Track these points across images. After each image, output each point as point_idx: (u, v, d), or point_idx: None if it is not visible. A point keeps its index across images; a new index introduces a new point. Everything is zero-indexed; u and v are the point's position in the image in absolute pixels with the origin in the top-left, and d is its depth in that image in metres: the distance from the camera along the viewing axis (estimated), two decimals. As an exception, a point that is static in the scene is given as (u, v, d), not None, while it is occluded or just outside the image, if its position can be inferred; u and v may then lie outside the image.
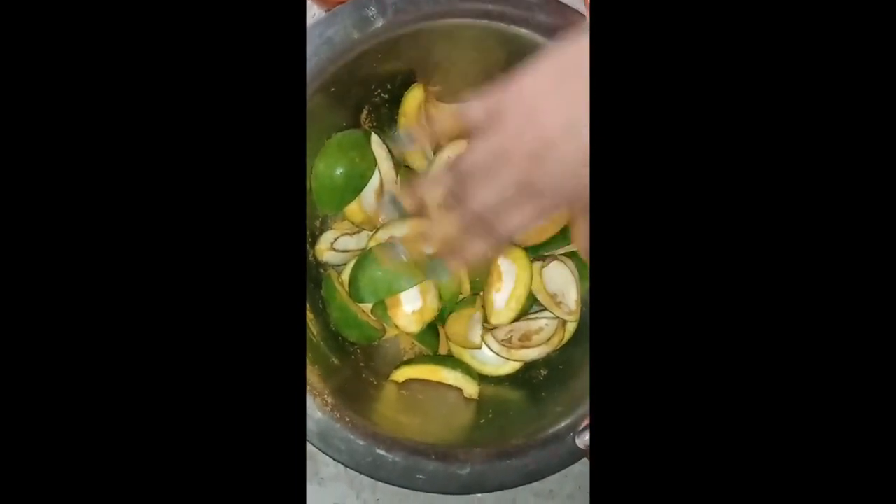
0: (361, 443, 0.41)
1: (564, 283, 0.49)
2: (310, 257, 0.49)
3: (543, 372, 0.50)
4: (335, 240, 0.49)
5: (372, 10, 0.42)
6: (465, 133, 0.34)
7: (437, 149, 0.50)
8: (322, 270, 0.50)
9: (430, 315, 0.46)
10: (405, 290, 0.45)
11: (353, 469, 0.41)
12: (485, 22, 0.42)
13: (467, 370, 0.49)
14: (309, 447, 0.41)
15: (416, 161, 0.49)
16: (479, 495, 0.55)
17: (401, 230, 0.46)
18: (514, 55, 0.46)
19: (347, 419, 0.41)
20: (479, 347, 0.49)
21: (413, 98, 0.48)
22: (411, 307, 0.46)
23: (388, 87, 0.48)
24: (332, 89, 0.44)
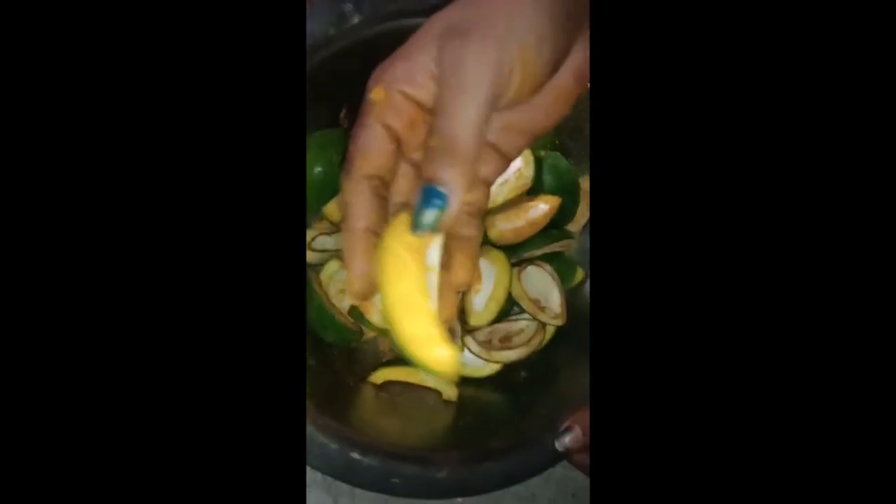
0: (335, 447, 0.40)
1: (545, 287, 0.48)
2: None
3: (523, 374, 0.49)
4: (313, 239, 0.49)
5: (348, 6, 0.41)
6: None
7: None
8: (299, 271, 0.49)
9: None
10: None
11: (327, 475, 0.40)
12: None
13: (446, 372, 0.48)
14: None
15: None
16: (460, 500, 0.54)
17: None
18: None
19: (321, 423, 0.40)
20: (461, 351, 0.48)
21: (392, 97, 0.48)
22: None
23: (366, 86, 0.48)
24: (309, 87, 0.43)
